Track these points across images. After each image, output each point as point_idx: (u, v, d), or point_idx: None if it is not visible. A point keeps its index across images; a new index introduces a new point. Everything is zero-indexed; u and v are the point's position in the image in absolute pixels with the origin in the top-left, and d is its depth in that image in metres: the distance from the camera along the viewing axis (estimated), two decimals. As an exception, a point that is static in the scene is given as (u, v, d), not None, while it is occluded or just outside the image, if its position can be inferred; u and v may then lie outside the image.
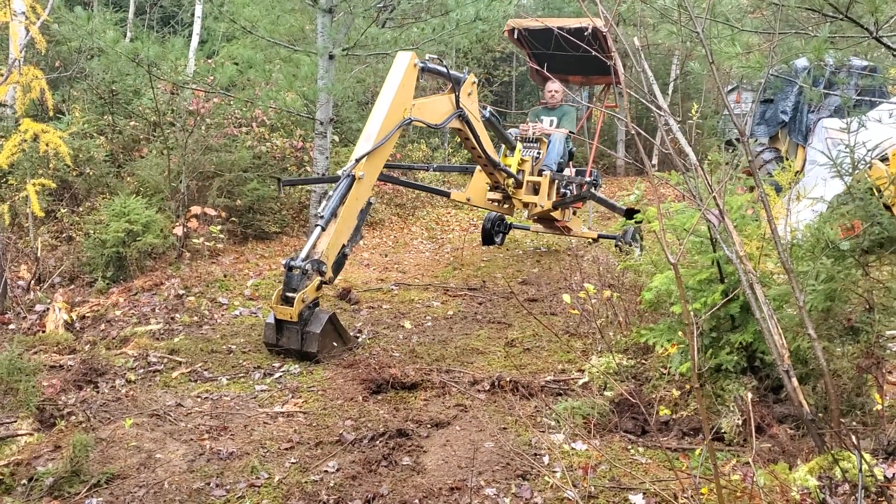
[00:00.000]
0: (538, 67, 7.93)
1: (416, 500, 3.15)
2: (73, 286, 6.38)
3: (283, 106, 7.83)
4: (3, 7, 5.22)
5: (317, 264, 4.87)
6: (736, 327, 4.03)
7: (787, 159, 9.65)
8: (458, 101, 6.14)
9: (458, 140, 7.13)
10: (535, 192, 7.56)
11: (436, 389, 4.52)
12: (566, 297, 4.93)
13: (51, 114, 6.82)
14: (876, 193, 9.19)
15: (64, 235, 7.36)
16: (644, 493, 3.30)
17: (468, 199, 7.70)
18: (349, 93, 9.01)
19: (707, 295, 3.90)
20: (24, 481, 3.26)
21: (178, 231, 7.24)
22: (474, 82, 6.49)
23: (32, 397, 3.54)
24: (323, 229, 5.00)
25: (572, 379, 4.69)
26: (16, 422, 3.68)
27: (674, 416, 4.11)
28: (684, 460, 3.68)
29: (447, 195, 7.82)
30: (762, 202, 3.40)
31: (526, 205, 7.58)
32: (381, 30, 7.32)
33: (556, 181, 7.60)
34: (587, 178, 7.82)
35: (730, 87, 15.41)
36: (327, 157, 7.76)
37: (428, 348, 5.33)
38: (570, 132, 8.03)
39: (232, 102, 8.81)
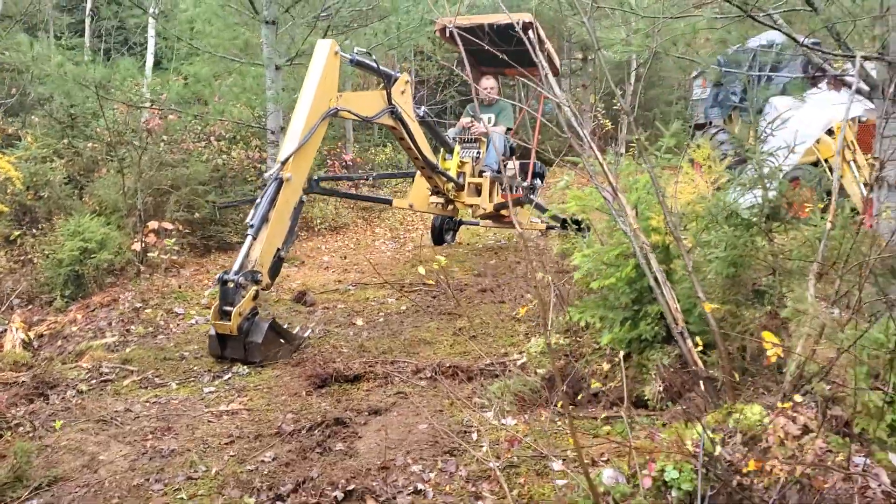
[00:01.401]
0: (472, 63, 8.03)
1: (344, 481, 3.31)
2: (31, 306, 6.51)
3: (231, 118, 7.98)
4: (-59, 38, 5.35)
5: (250, 275, 4.97)
6: (654, 299, 4.21)
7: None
8: (389, 97, 6.15)
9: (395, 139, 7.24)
10: (478, 192, 7.64)
11: (378, 380, 4.68)
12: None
13: (-1, 141, 6.94)
14: (824, 164, 9.35)
15: (24, 258, 7.48)
16: (563, 460, 3.47)
17: (411, 206, 7.73)
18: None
19: (622, 269, 4.07)
20: (-31, 491, 3.39)
21: (136, 247, 7.37)
22: (407, 81, 6.54)
23: (-25, 409, 3.67)
24: (254, 238, 5.05)
25: (511, 361, 4.86)
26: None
27: (603, 388, 4.28)
28: (608, 427, 3.87)
29: (389, 203, 7.90)
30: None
31: (470, 206, 7.67)
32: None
33: (497, 182, 7.68)
34: (525, 183, 7.88)
35: (695, 73, 15.68)
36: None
37: (377, 342, 5.48)
38: (509, 128, 8.09)
39: (187, 118, 8.94)
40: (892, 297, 2.99)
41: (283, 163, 5.26)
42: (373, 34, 7.56)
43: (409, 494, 3.25)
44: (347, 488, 3.25)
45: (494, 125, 8.18)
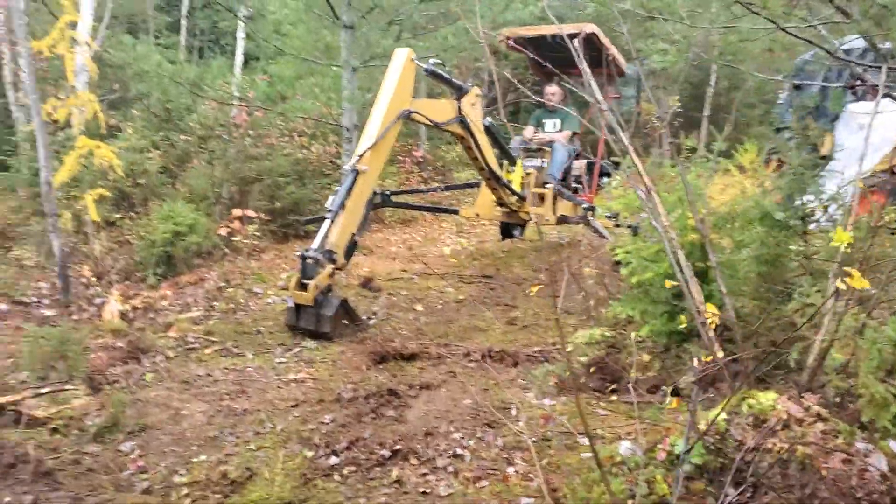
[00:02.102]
0: (541, 65, 8.13)
1: (391, 442, 3.71)
2: (128, 282, 7.18)
3: (311, 115, 8.52)
4: (62, 40, 6.03)
5: (328, 254, 5.44)
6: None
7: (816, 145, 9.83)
8: (459, 108, 6.45)
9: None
10: (542, 202, 7.76)
11: (432, 360, 5.07)
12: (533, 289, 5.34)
13: (102, 131, 7.65)
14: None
15: (122, 239, 8.21)
16: (592, 437, 3.78)
17: (477, 215, 7.92)
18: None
19: (660, 265, 4.33)
20: (75, 431, 3.94)
21: (222, 232, 7.99)
22: (478, 94, 6.78)
23: (80, 364, 4.24)
24: (332, 221, 5.54)
25: (557, 349, 5.18)
26: (71, 387, 4.39)
27: (641, 377, 4.56)
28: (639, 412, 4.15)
29: (456, 213, 8.16)
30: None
31: (532, 216, 7.73)
32: (396, 42, 7.93)
33: (568, 199, 7.85)
34: (585, 203, 7.92)
35: (782, 76, 15.46)
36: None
37: (434, 327, 5.88)
38: (574, 133, 8.18)
39: (271, 115, 9.56)
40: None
41: (360, 156, 5.68)
42: (443, 37, 7.95)
43: (448, 457, 3.62)
44: (394, 448, 3.65)
45: (559, 131, 8.31)
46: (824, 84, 8.29)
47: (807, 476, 2.87)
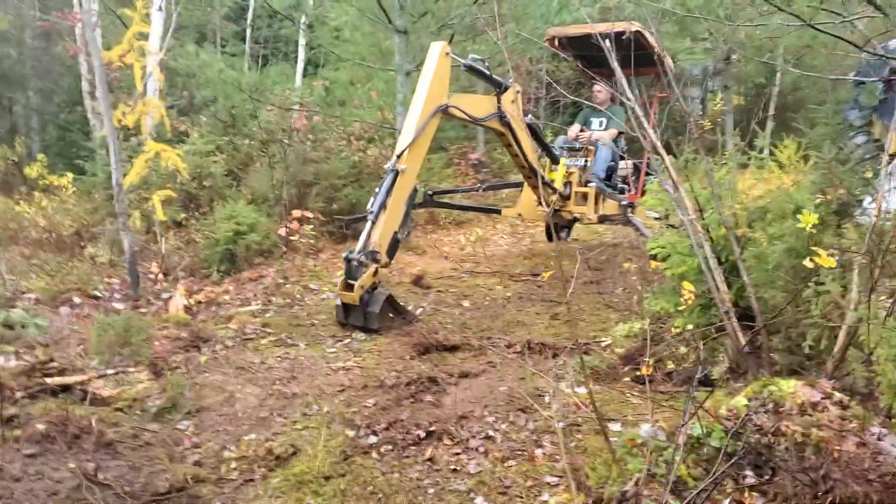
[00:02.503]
0: (585, 69, 8.21)
1: (427, 423, 3.92)
2: (192, 278, 7.59)
3: (366, 119, 8.82)
4: (130, 50, 6.46)
5: (371, 254, 5.63)
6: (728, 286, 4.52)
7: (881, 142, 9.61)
8: (499, 104, 6.46)
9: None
10: (585, 201, 7.79)
11: (473, 351, 5.26)
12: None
13: (169, 136, 8.10)
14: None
15: (188, 238, 8.66)
16: (622, 423, 3.92)
17: (519, 215, 7.93)
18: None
19: (694, 258, 4.41)
20: (138, 411, 4.27)
21: (282, 231, 8.35)
22: (518, 91, 6.80)
23: (144, 349, 4.59)
24: (373, 223, 5.69)
25: (596, 342, 5.30)
26: (135, 371, 4.75)
27: (677, 369, 4.65)
28: (672, 401, 4.25)
29: (498, 212, 8.21)
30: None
31: (575, 215, 7.80)
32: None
33: (608, 196, 7.85)
34: (625, 200, 7.90)
35: (853, 74, 15.08)
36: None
37: (478, 322, 6.07)
38: (620, 132, 8.16)
39: (328, 119, 9.92)
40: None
41: (399, 156, 5.80)
42: (493, 41, 8.13)
43: (480, 438, 3.81)
44: (429, 429, 3.86)
45: (605, 129, 8.32)
46: (857, 79, 8.08)
47: (821, 459, 2.94)
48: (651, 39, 6.80)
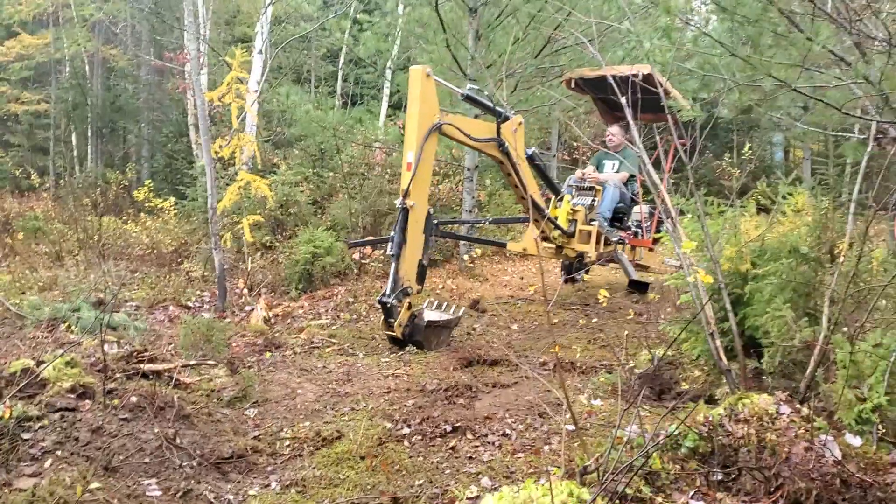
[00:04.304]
0: (604, 111, 8.21)
1: (454, 420, 4.54)
2: (273, 294, 8.50)
3: (436, 156, 9.59)
4: (229, 92, 7.46)
5: (402, 294, 6.03)
6: (727, 317, 4.97)
7: None
8: (498, 131, 6.35)
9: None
10: (590, 239, 7.74)
11: (510, 366, 5.85)
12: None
13: (260, 166, 9.10)
14: None
15: (273, 258, 9.62)
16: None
17: (524, 250, 7.87)
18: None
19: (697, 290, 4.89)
20: (214, 400, 5.07)
21: (356, 255, 9.19)
22: (521, 122, 6.73)
23: (222, 346, 5.41)
24: (397, 261, 6.03)
25: (622, 364, 5.79)
26: (215, 366, 5.57)
27: (688, 389, 5.12)
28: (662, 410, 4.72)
29: (503, 246, 8.22)
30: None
31: (579, 254, 7.71)
32: (511, 94, 8.85)
33: (605, 233, 7.84)
34: (615, 238, 7.93)
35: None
36: (473, 198, 9.38)
37: (522, 342, 6.65)
38: (632, 175, 8.23)
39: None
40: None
41: (405, 195, 5.94)
42: (553, 88, 8.77)
43: (498, 435, 4.39)
44: (455, 425, 4.47)
45: (617, 171, 8.37)
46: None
47: (774, 459, 3.41)
48: (662, 81, 6.77)
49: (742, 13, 4.05)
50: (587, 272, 9.11)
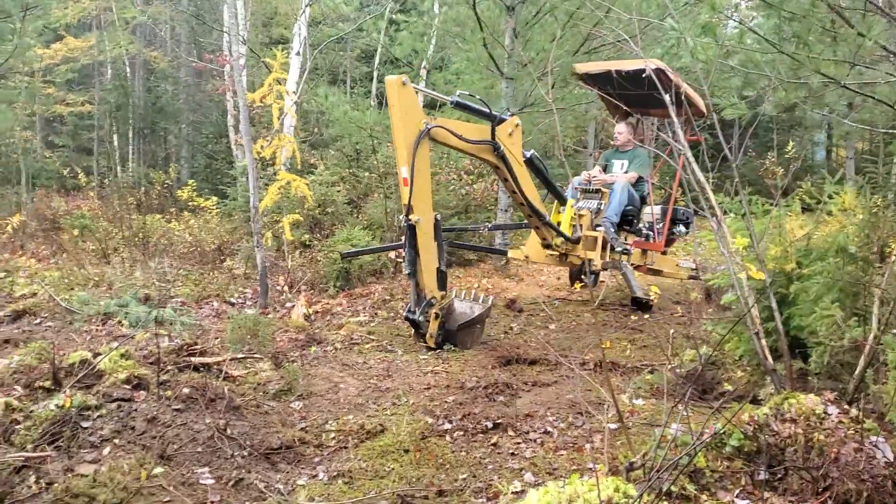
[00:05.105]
0: (616, 103, 7.77)
1: (495, 417, 4.57)
2: (312, 291, 8.60)
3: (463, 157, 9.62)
4: (269, 94, 7.57)
5: (426, 307, 6.08)
6: (772, 317, 4.93)
7: None
8: (493, 134, 6.08)
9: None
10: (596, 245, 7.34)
11: (550, 365, 5.86)
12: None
13: (299, 167, 9.21)
14: None
15: (312, 257, 9.73)
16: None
17: (527, 257, 7.66)
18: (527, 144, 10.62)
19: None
20: (261, 392, 5.16)
21: (392, 255, 9.25)
22: (517, 124, 6.39)
23: (267, 341, 5.50)
24: (413, 275, 6.05)
25: (664, 364, 5.77)
26: (261, 359, 5.67)
27: (731, 389, 5.09)
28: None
29: (504, 253, 8.01)
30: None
31: (584, 261, 7.32)
32: (548, 91, 8.86)
33: (610, 241, 7.41)
34: (619, 246, 7.52)
35: None
36: (509, 197, 9.39)
37: (561, 342, 6.65)
38: (641, 176, 7.83)
39: (441, 155, 10.84)
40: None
41: (408, 212, 5.84)
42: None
43: (540, 433, 4.41)
44: (497, 422, 4.50)
45: (626, 172, 7.99)
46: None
47: (822, 460, 3.38)
48: (674, 78, 6.24)
49: (789, 9, 4.03)
50: (597, 278, 8.79)
